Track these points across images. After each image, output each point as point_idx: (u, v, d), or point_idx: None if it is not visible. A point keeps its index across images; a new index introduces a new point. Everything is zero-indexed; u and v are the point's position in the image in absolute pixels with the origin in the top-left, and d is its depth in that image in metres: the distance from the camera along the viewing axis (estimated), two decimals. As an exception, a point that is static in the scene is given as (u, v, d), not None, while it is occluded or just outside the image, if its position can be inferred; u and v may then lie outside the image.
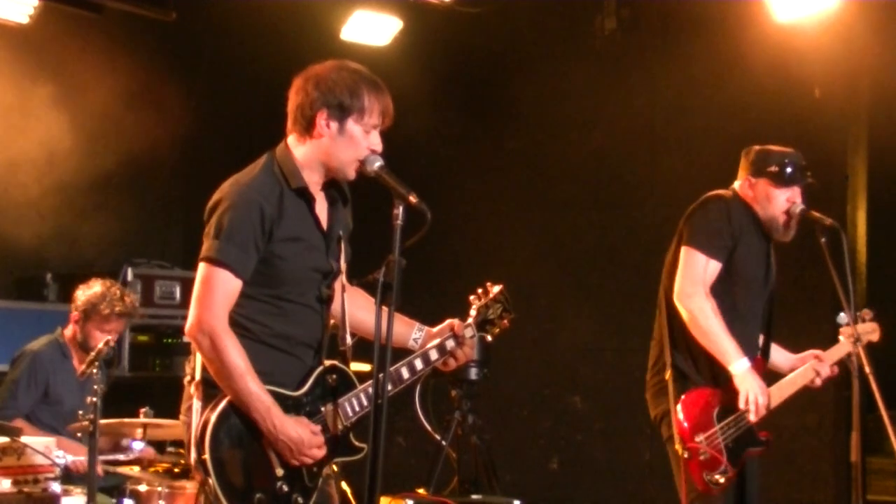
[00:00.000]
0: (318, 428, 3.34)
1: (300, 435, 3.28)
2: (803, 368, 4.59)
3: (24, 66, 6.86)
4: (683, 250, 4.45)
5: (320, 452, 3.33)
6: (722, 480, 4.35)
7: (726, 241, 4.44)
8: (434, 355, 3.56)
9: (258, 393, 3.23)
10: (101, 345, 5.09)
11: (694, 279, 4.38)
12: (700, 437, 4.35)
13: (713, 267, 4.41)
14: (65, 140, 6.99)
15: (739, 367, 4.34)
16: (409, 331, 3.61)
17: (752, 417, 4.33)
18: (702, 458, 4.33)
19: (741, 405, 4.34)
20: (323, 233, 3.45)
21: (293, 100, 3.43)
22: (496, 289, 3.70)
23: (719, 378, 4.42)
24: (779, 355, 4.74)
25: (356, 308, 3.60)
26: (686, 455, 4.33)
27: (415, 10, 6.95)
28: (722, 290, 4.45)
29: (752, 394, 4.33)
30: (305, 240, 3.40)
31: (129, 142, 7.40)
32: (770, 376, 4.51)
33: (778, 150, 4.53)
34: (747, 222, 4.51)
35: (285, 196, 3.36)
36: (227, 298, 3.27)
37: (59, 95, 7.01)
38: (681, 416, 4.36)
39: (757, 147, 4.57)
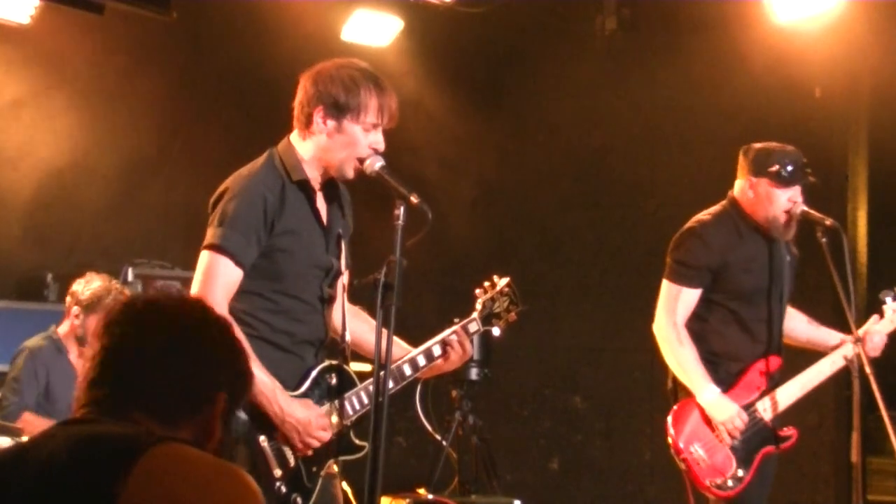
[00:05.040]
0: (323, 410, 3.34)
1: (307, 415, 3.28)
2: (831, 358, 4.48)
3: (24, 67, 6.85)
4: (663, 282, 4.51)
5: (326, 435, 3.33)
6: (731, 483, 4.27)
7: (702, 269, 4.43)
8: (437, 351, 3.53)
9: (262, 377, 3.20)
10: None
11: (665, 310, 4.46)
12: (695, 447, 4.32)
13: (687, 295, 4.44)
14: (65, 140, 6.98)
15: (707, 395, 4.33)
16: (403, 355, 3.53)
17: (727, 440, 4.30)
18: (702, 465, 4.29)
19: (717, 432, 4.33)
20: (323, 228, 3.45)
21: (297, 96, 3.45)
22: (503, 282, 3.65)
23: (731, 377, 4.41)
24: (800, 326, 4.69)
25: (353, 315, 3.59)
26: (683, 467, 4.32)
27: (415, 10, 6.94)
28: (722, 306, 4.45)
29: (721, 422, 4.31)
30: (306, 233, 3.40)
31: (129, 142, 7.39)
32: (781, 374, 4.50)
33: (778, 149, 4.40)
34: (734, 237, 4.45)
35: (287, 189, 3.37)
36: (227, 286, 3.27)
37: (60, 96, 7.00)
38: (671, 429, 4.35)
39: (757, 146, 4.46)
